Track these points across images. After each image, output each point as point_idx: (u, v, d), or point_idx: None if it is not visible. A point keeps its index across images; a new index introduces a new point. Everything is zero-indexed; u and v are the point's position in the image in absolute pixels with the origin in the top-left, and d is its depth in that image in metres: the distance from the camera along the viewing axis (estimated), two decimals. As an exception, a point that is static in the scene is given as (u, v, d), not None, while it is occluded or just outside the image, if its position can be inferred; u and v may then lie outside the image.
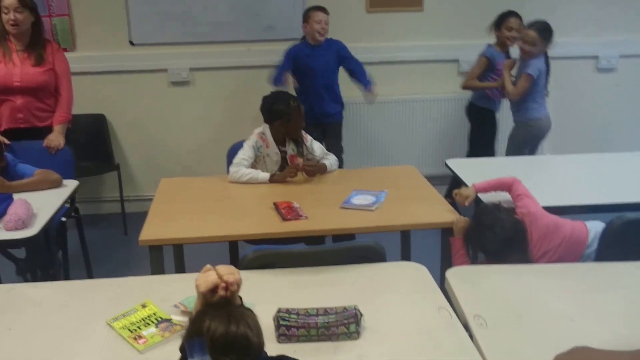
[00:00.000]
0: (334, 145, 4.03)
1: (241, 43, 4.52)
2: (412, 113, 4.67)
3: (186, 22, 4.44)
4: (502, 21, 4.06)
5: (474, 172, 3.11)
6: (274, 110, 3.09)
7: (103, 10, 4.37)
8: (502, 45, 4.10)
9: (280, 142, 3.15)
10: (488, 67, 4.07)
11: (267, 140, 3.13)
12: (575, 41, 4.53)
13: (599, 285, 1.88)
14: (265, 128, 3.15)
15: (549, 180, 3.05)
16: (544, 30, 3.73)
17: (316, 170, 3.10)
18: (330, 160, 3.22)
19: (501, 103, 4.18)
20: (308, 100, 3.87)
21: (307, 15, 4.03)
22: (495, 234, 2.25)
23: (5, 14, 3.33)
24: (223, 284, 1.36)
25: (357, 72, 4.13)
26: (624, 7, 4.61)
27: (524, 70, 3.79)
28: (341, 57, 4.12)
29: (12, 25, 3.35)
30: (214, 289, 1.36)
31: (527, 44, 3.74)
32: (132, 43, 4.45)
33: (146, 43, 4.46)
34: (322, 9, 4.00)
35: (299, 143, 3.18)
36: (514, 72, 3.94)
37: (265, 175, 3.01)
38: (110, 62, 4.46)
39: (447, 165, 3.26)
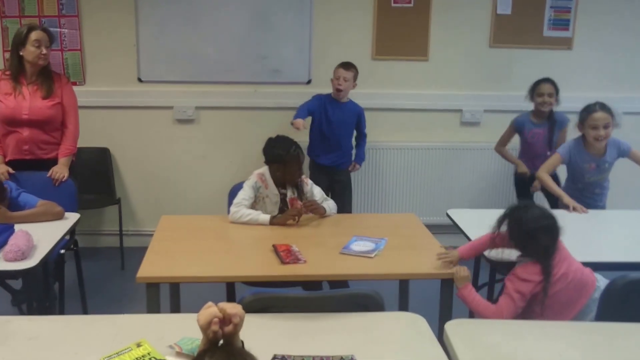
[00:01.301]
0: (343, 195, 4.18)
1: (247, 84, 4.59)
2: (415, 161, 4.71)
3: (194, 62, 4.51)
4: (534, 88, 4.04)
5: (474, 222, 3.12)
6: (273, 153, 3.14)
7: (114, 47, 4.45)
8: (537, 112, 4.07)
9: (279, 184, 3.17)
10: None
11: (267, 182, 3.15)
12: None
13: (599, 346, 1.85)
14: (265, 169, 3.18)
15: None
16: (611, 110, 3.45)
17: (315, 208, 3.11)
18: (329, 204, 3.24)
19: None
20: (321, 148, 4.12)
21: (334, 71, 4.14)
22: (535, 214, 2.36)
23: (37, 47, 3.39)
24: (217, 318, 1.36)
25: (359, 143, 4.30)
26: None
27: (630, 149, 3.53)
28: (359, 121, 4.23)
29: (44, 59, 3.42)
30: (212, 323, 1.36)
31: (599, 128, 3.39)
32: (140, 80, 4.51)
33: (154, 80, 4.52)
34: (344, 65, 4.09)
35: (299, 186, 3.20)
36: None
37: (266, 218, 3.01)
38: (118, 98, 4.52)
39: (448, 215, 3.26)
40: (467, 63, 4.65)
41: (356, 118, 4.21)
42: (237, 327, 1.40)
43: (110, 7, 4.39)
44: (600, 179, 3.57)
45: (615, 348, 1.86)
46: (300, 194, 3.20)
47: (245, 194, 3.10)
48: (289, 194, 3.18)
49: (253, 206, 3.11)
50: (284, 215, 3.03)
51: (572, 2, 4.58)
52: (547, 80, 4.02)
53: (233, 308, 1.39)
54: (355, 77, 4.11)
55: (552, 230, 2.36)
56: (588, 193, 3.58)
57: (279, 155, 3.10)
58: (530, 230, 2.35)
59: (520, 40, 4.61)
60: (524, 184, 4.14)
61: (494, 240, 2.52)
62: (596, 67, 4.70)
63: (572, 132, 3.76)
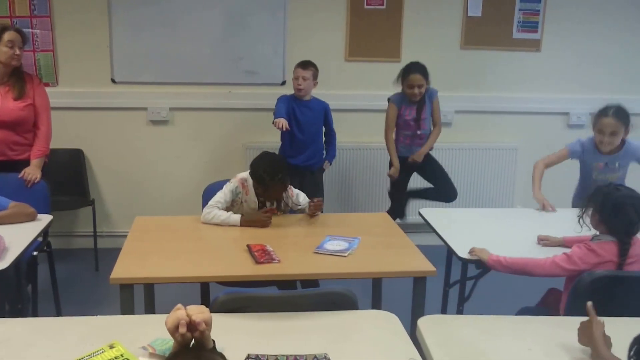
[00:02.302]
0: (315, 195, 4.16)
1: (222, 85, 4.59)
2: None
3: (168, 63, 4.50)
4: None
5: (446, 221, 3.18)
6: (258, 174, 3.05)
7: (87, 48, 4.42)
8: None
9: (260, 193, 3.15)
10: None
11: (248, 188, 3.12)
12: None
13: (567, 339, 1.90)
14: (249, 177, 3.14)
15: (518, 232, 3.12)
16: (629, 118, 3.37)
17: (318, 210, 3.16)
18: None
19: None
20: (293, 149, 4.10)
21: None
22: (626, 191, 2.50)
23: (10, 47, 3.36)
24: (183, 321, 1.35)
25: (329, 141, 4.28)
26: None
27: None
28: (326, 116, 4.22)
29: (17, 60, 3.39)
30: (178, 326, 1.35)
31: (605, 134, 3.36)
32: (113, 81, 4.49)
33: (128, 81, 4.50)
34: (302, 64, 4.06)
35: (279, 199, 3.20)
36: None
37: (237, 218, 3.00)
38: (91, 99, 4.49)
39: (420, 214, 3.31)
40: (439, 64, 4.70)
41: (323, 114, 4.20)
42: (205, 331, 1.39)
43: (83, 7, 4.36)
44: (610, 179, 3.48)
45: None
46: (279, 206, 3.20)
47: (222, 197, 3.08)
48: (268, 204, 3.16)
49: (229, 209, 3.10)
50: (257, 216, 3.03)
51: (541, 4, 4.68)
52: (417, 68, 4.07)
53: (199, 314, 1.37)
54: (315, 76, 4.09)
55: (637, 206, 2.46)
56: None
57: (262, 178, 3.03)
58: (620, 205, 2.44)
59: (491, 42, 4.69)
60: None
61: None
62: (563, 68, 4.80)
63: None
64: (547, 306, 2.91)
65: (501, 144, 4.66)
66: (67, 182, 4.45)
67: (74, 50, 4.42)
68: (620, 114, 3.35)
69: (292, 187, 3.22)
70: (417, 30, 4.65)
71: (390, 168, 4.25)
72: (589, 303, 1.81)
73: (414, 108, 4.15)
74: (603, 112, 3.38)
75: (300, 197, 3.24)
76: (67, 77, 4.46)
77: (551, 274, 2.56)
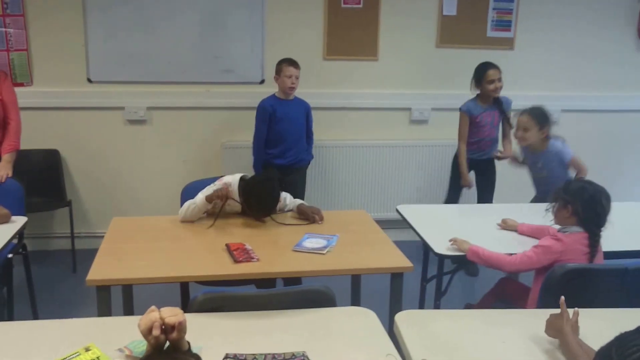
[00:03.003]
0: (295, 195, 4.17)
1: (200, 84, 4.57)
2: (366, 158, 4.79)
3: (145, 62, 4.47)
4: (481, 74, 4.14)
5: (423, 217, 3.22)
6: (249, 198, 3.02)
7: (62, 47, 4.37)
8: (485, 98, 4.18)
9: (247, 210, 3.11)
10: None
11: (232, 193, 3.08)
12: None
13: (541, 331, 1.94)
14: (234, 180, 3.11)
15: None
16: (545, 116, 3.59)
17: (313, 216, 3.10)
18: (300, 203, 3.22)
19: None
20: (278, 149, 4.10)
21: (278, 68, 4.07)
22: (599, 186, 2.59)
23: None
24: (157, 323, 1.34)
25: (307, 141, 4.29)
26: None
27: (568, 157, 3.61)
28: (307, 115, 4.23)
29: None
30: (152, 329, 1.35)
31: (519, 129, 3.62)
32: (89, 80, 4.45)
33: (104, 81, 4.47)
34: (293, 63, 4.05)
35: None
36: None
37: (201, 197, 2.98)
38: (67, 99, 4.45)
39: (397, 211, 3.35)
40: (415, 63, 4.76)
41: (305, 113, 4.21)
42: (180, 333, 1.38)
43: (57, 6, 4.31)
44: (541, 176, 3.72)
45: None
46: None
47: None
48: None
49: (210, 210, 3.08)
50: (215, 192, 3.00)
51: (514, 3, 4.74)
52: (493, 64, 4.15)
53: (173, 316, 1.37)
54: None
55: (609, 200, 2.56)
56: (540, 188, 3.77)
57: (252, 205, 3.02)
58: (595, 197, 2.53)
59: (466, 41, 4.74)
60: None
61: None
62: (536, 66, 4.87)
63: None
64: (502, 297, 3.01)
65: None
66: (43, 183, 4.40)
67: (49, 50, 4.37)
68: (529, 111, 3.58)
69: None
70: (393, 29, 4.68)
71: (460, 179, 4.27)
72: (562, 298, 1.86)
73: (489, 113, 4.18)
74: (521, 111, 3.64)
75: (287, 200, 3.22)
76: (42, 76, 4.41)
77: (522, 269, 2.67)
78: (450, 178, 4.39)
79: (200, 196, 3.01)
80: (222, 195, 3.00)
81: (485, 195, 4.35)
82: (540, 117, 3.57)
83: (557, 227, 2.68)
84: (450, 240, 2.78)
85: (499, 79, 4.10)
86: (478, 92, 4.18)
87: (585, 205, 2.55)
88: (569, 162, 3.61)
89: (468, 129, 4.18)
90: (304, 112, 4.22)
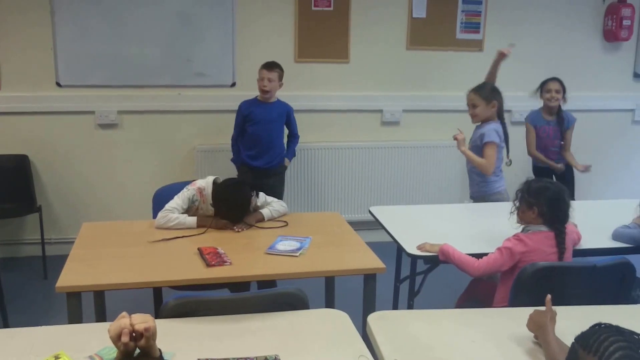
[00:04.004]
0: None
1: (171, 88, 4.55)
2: (338, 160, 4.81)
3: (116, 65, 4.44)
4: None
5: (395, 218, 3.25)
6: (219, 203, 3.03)
7: (29, 50, 4.32)
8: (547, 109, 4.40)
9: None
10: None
11: (205, 197, 3.09)
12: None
13: (512, 329, 1.98)
14: (207, 184, 3.10)
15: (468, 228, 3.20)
16: (490, 91, 3.66)
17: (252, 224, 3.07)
18: (273, 207, 3.18)
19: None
20: (255, 151, 4.13)
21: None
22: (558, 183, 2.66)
23: None
24: (126, 330, 1.35)
25: (290, 141, 4.33)
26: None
27: (484, 140, 3.60)
28: (288, 119, 4.25)
29: None
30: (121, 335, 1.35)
31: (469, 107, 3.69)
32: (59, 84, 4.40)
33: (74, 85, 4.42)
34: (268, 66, 4.08)
35: None
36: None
37: (193, 220, 2.98)
38: (36, 103, 4.39)
39: (370, 212, 3.37)
40: (386, 65, 4.79)
41: (285, 116, 4.23)
42: (148, 340, 1.38)
43: (24, 8, 4.25)
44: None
45: (525, 331, 1.98)
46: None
47: (178, 203, 3.04)
48: None
49: (186, 212, 3.07)
50: (216, 223, 2.98)
51: (482, 6, 4.82)
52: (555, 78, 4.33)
53: (142, 322, 1.37)
54: (280, 77, 4.13)
55: (569, 195, 2.61)
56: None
57: (219, 208, 3.03)
58: (559, 196, 2.57)
59: (435, 43, 4.80)
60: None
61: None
62: (505, 67, 4.92)
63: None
64: (474, 297, 3.05)
65: (448, 142, 4.75)
66: (13, 188, 4.34)
67: (16, 53, 4.31)
68: (480, 89, 3.67)
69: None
70: (364, 31, 4.71)
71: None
72: (549, 296, 1.90)
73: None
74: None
75: (260, 200, 3.20)
76: (10, 80, 4.34)
77: (489, 272, 2.66)
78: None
79: (190, 219, 2.96)
80: (221, 227, 2.98)
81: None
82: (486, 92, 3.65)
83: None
84: (418, 247, 2.78)
85: (556, 91, 4.28)
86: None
87: (550, 205, 2.58)
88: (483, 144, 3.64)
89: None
90: (284, 114, 4.23)
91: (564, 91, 4.32)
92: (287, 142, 4.35)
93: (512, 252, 2.58)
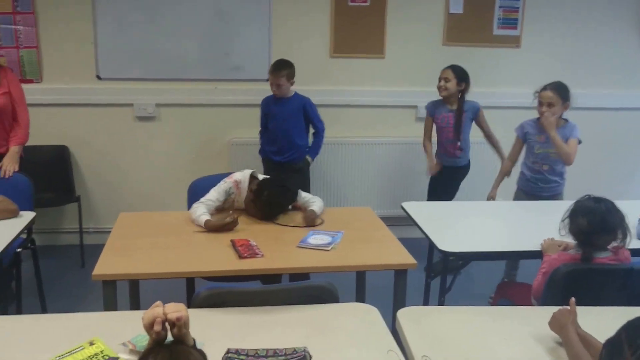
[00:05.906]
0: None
1: (208, 81, 4.60)
2: (371, 155, 4.80)
3: (154, 59, 4.51)
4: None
5: (428, 214, 3.23)
6: (259, 199, 3.04)
7: (71, 44, 4.41)
8: None
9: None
10: None
11: (241, 190, 3.12)
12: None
13: (543, 329, 1.95)
14: (244, 177, 3.13)
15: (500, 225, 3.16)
16: (567, 91, 3.63)
17: (311, 221, 3.05)
18: (317, 204, 3.16)
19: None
20: (275, 146, 4.21)
21: None
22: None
23: None
24: (159, 319, 1.37)
25: (315, 136, 4.32)
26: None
27: (574, 133, 3.63)
28: (306, 112, 4.22)
29: None
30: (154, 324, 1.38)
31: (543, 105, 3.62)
32: (99, 77, 4.49)
33: (113, 78, 4.50)
34: (273, 72, 4.07)
35: None
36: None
37: (202, 221, 2.90)
38: (76, 95, 4.48)
39: (402, 208, 3.36)
40: (422, 60, 4.75)
41: (302, 109, 4.20)
42: (180, 329, 1.40)
43: (67, 3, 4.34)
44: (550, 151, 3.69)
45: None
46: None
47: (214, 195, 3.06)
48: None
49: (220, 206, 3.09)
50: (221, 223, 2.91)
51: (520, 2, 4.74)
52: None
53: (175, 312, 1.39)
54: (289, 77, 4.08)
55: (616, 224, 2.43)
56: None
57: (256, 203, 3.04)
58: (596, 224, 2.42)
59: (472, 39, 4.74)
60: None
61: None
62: (542, 64, 4.85)
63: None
64: (505, 298, 3.02)
65: (479, 138, 4.66)
66: (53, 178, 4.44)
67: (59, 47, 4.41)
68: (559, 88, 3.59)
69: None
70: (400, 27, 4.68)
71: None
72: (572, 299, 1.88)
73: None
74: (543, 87, 3.64)
75: (301, 195, 3.21)
76: (52, 73, 4.45)
77: (536, 293, 2.59)
78: None
79: (202, 219, 2.91)
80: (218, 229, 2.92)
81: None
82: (564, 91, 3.59)
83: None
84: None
85: (445, 79, 4.12)
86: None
87: (587, 232, 2.45)
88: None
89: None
90: (301, 108, 4.20)
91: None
92: (313, 139, 4.33)
93: (553, 263, 2.53)
